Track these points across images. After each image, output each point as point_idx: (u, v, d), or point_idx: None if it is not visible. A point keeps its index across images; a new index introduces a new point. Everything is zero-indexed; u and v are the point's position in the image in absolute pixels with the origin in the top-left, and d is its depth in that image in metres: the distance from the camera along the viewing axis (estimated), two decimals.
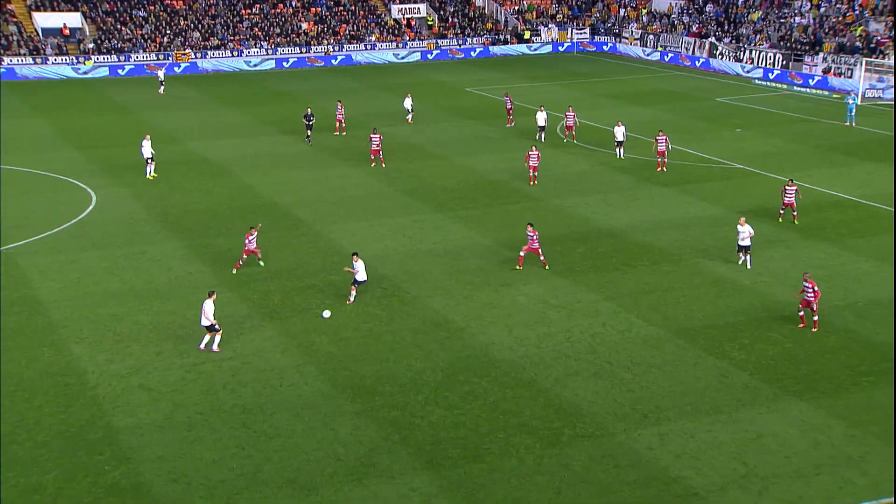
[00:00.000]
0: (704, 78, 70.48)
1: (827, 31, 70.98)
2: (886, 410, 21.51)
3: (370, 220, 35.91)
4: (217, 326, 24.87)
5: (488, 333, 25.94)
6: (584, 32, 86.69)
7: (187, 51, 75.37)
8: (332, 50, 78.87)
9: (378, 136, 43.74)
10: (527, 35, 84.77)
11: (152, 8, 79.64)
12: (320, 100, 60.90)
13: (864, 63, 61.31)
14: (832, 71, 65.54)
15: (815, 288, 25.68)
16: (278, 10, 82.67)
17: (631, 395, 22.47)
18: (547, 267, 30.54)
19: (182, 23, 78.99)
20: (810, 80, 65.36)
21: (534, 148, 41.05)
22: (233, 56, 76.27)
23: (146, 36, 76.76)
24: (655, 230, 34.37)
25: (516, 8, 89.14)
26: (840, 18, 71.88)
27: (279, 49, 77.86)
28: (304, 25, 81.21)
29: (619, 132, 45.14)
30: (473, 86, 64.98)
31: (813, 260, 31.14)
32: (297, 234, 34.32)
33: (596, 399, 22.30)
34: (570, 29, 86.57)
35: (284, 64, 76.91)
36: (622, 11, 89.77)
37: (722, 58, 74.46)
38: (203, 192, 39.98)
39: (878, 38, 66.64)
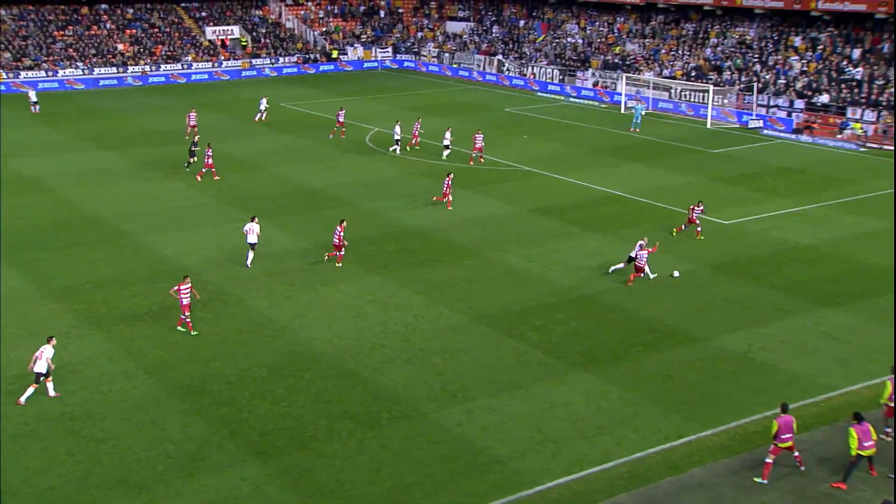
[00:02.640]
0: (494, 91, 72.40)
1: (593, 50, 74.69)
2: (652, 374, 22.77)
3: (194, 230, 34.58)
4: (50, 372, 21.46)
5: (310, 330, 25.54)
6: (387, 51, 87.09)
7: None
8: (148, 70, 75.39)
9: (210, 149, 42.41)
10: (335, 54, 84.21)
11: None
12: (140, 118, 58.13)
13: (624, 78, 64.85)
14: (600, 84, 68.93)
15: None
16: (92, 32, 78.16)
17: (441, 377, 22.71)
18: (339, 264, 30.27)
19: None
20: (582, 92, 68.45)
21: (449, 176, 37.58)
22: (48, 76, 71.41)
23: None
24: (458, 228, 34.95)
25: (324, 29, 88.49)
26: (603, 40, 75.89)
27: (95, 69, 73.61)
28: (120, 46, 77.21)
29: (447, 137, 46.41)
30: (287, 101, 63.86)
31: (592, 249, 32.56)
32: (122, 245, 32.57)
33: (410, 383, 22.39)
34: (374, 48, 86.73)
35: (101, 83, 72.79)
36: (420, 33, 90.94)
37: (508, 73, 76.73)
38: (24, 207, 37.24)
39: (634, 56, 70.78)
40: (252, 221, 30.52)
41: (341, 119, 52.28)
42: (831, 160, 47.42)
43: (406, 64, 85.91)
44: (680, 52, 69.18)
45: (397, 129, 48.19)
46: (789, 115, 56.21)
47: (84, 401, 21.34)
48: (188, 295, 25.08)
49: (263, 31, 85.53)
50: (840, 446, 18.41)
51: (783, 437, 18.39)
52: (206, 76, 77.03)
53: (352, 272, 30.09)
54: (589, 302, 27.52)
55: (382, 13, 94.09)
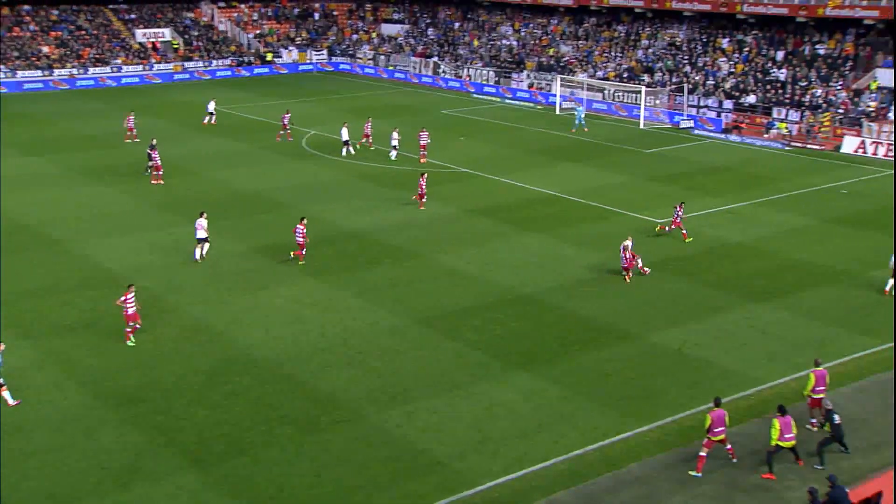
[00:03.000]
0: (430, 93, 72.45)
1: (528, 52, 75.31)
2: (589, 372, 23.03)
3: (126, 236, 33.83)
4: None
5: (247, 335, 25.19)
6: (323, 54, 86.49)
7: None
8: (76, 73, 73.49)
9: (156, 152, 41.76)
10: (269, 57, 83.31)
11: None
12: (68, 122, 56.65)
13: (559, 79, 65.52)
14: (535, 86, 69.52)
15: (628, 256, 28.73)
16: (15, 34, 75.86)
17: (381, 380, 22.61)
18: (301, 262, 30.29)
19: None
20: (518, 94, 68.95)
21: (423, 177, 37.59)
22: None
23: None
24: (396, 230, 34.86)
25: (258, 32, 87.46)
26: (537, 42, 76.59)
27: (19, 72, 71.46)
28: (45, 49, 75.09)
29: (394, 137, 46.63)
30: (221, 105, 62.89)
31: (529, 248, 32.80)
32: (51, 253, 31.68)
33: (349, 387, 22.24)
34: (309, 51, 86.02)
35: (25, 87, 70.68)
36: (355, 35, 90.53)
37: (444, 75, 76.89)
38: None
39: (568, 58, 71.58)
40: (201, 217, 31.04)
41: (286, 121, 51.89)
42: (758, 159, 48.63)
43: (341, 66, 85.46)
44: (612, 53, 70.21)
45: (344, 131, 47.93)
46: (718, 115, 57.46)
47: (11, 413, 20.67)
48: (133, 304, 24.47)
49: (196, 33, 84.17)
50: (768, 438, 18.86)
51: (716, 430, 18.76)
52: (136, 80, 75.46)
53: (289, 276, 29.78)
54: (527, 302, 27.71)
55: (317, 16, 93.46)
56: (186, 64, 78.83)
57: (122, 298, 24.40)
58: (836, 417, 19.12)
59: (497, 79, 72.36)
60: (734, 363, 23.53)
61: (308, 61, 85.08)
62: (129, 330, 24.44)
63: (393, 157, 46.43)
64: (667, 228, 34.14)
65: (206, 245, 31.23)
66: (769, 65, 60.67)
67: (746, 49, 63.11)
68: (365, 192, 40.63)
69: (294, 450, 19.44)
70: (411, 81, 78.24)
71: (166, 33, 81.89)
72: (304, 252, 30.85)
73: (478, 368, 23.25)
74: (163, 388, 21.98)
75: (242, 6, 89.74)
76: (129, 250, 32.11)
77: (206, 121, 56.39)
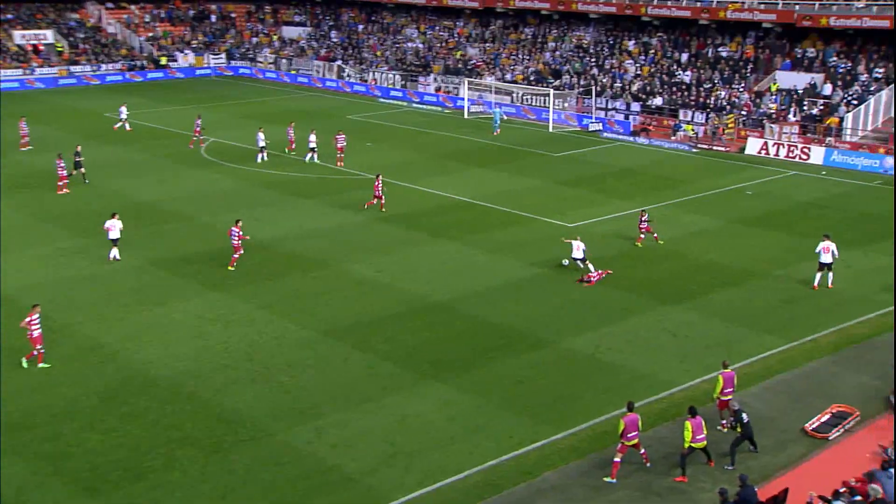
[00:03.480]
0: (335, 98, 72.06)
1: (434, 55, 75.70)
2: (503, 380, 23.21)
3: (11, 253, 32.46)
4: None
5: (145, 353, 24.48)
6: (221, 58, 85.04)
7: None
8: None
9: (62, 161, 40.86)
10: (163, 61, 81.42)
11: None
12: None
13: (466, 83, 66.06)
14: (442, 89, 69.90)
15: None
16: None
17: (288, 396, 22.29)
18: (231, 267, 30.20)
19: None
20: (425, 97, 69.20)
21: (378, 178, 38.29)
22: None
23: None
24: (303, 240, 34.49)
25: (150, 35, 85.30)
26: (444, 44, 77.06)
27: None
28: None
29: (312, 139, 46.70)
30: (113, 111, 61.12)
31: (441, 255, 32.90)
32: None
33: (255, 404, 21.84)
34: (206, 55, 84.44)
35: None
36: (255, 38, 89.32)
37: (349, 79, 76.59)
38: None
39: (475, 61, 72.25)
40: (113, 218, 31.62)
41: (198, 128, 51.27)
42: (667, 161, 50.04)
43: (241, 71, 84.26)
44: (520, 56, 71.20)
45: (260, 136, 47.16)
46: (627, 117, 58.89)
47: None
48: (38, 326, 23.46)
49: (82, 36, 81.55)
50: (681, 441, 19.35)
51: (629, 435, 19.14)
52: (16, 84, 72.62)
53: (190, 289, 29.11)
54: (439, 310, 27.77)
55: (213, 18, 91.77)
56: (73, 68, 76.32)
57: (27, 320, 23.48)
58: (745, 416, 19.77)
59: (403, 82, 72.50)
60: (647, 366, 24.08)
61: (206, 65, 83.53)
62: (35, 353, 23.63)
63: (307, 161, 46.53)
64: (641, 240, 34.27)
65: (115, 250, 31.64)
66: (674, 67, 62.53)
67: (652, 51, 64.90)
68: (269, 201, 40.08)
69: (197, 472, 18.95)
70: (315, 86, 77.68)
71: (49, 35, 79.06)
72: (236, 256, 31.14)
73: (389, 380, 23.16)
74: (52, 414, 21.14)
75: (133, 7, 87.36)
76: (15, 268, 30.83)
77: (117, 126, 55.06)
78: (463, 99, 64.87)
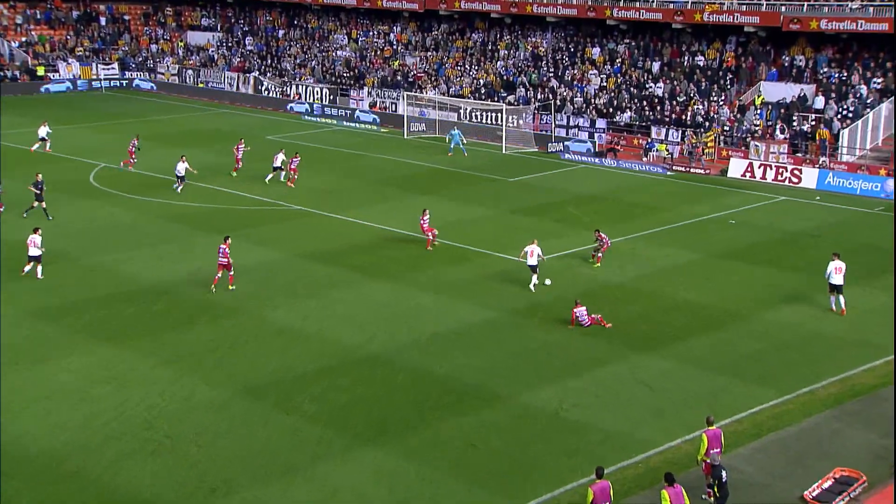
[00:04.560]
0: (252, 115, 72.07)
1: (368, 64, 76.29)
2: (452, 443, 23.29)
3: None
4: None
5: (20, 422, 24.00)
6: (113, 68, 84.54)
7: None
8: None
9: None
10: (41, 71, 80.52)
11: None
12: None
13: (405, 97, 66.67)
14: (378, 105, 70.44)
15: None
16: None
17: (196, 469, 22.03)
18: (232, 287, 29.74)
19: None
20: (358, 115, 69.54)
21: None
22: None
23: None
24: (217, 282, 34.29)
25: (24, 39, 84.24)
26: (379, 52, 77.68)
27: None
28: None
29: (181, 167, 47.08)
30: None
31: (377, 298, 32.97)
32: None
33: (156, 481, 21.53)
34: (94, 64, 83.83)
35: None
36: (154, 46, 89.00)
37: (268, 93, 76.74)
38: None
39: (415, 72, 72.96)
40: (34, 233, 34.03)
41: (132, 148, 52.36)
42: (637, 186, 50.96)
43: (138, 83, 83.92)
44: (467, 66, 72.11)
45: (181, 165, 46.69)
46: (591, 135, 59.95)
47: None
48: None
49: None
50: None
51: None
52: None
53: (77, 344, 28.71)
54: (376, 362, 27.80)
55: (103, 20, 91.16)
56: None
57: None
58: (724, 474, 19.85)
59: (332, 97, 72.90)
60: (618, 424, 24.35)
61: (94, 77, 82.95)
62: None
63: (268, 180, 48.58)
64: (599, 257, 36.31)
65: (39, 267, 34.04)
66: (645, 78, 63.92)
67: (619, 60, 66.29)
68: (174, 237, 39.82)
69: None
70: (227, 102, 77.58)
71: None
72: (231, 273, 33.42)
73: (318, 446, 23.07)
74: None
75: (0, 6, 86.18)
76: None
77: (34, 148, 55.06)
78: (402, 116, 65.39)
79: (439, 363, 27.81)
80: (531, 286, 33.52)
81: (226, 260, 33.25)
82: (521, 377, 26.91)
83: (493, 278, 35.08)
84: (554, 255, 37.77)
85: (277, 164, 49.19)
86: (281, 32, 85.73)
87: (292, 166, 49.19)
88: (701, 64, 62.96)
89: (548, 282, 33.73)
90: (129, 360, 27.75)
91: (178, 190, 46.85)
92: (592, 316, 30.52)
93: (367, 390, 26.08)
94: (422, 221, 38.45)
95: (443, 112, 65.84)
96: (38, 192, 42.38)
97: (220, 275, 33.37)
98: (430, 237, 38.40)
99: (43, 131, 55.92)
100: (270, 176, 49.04)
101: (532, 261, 33.66)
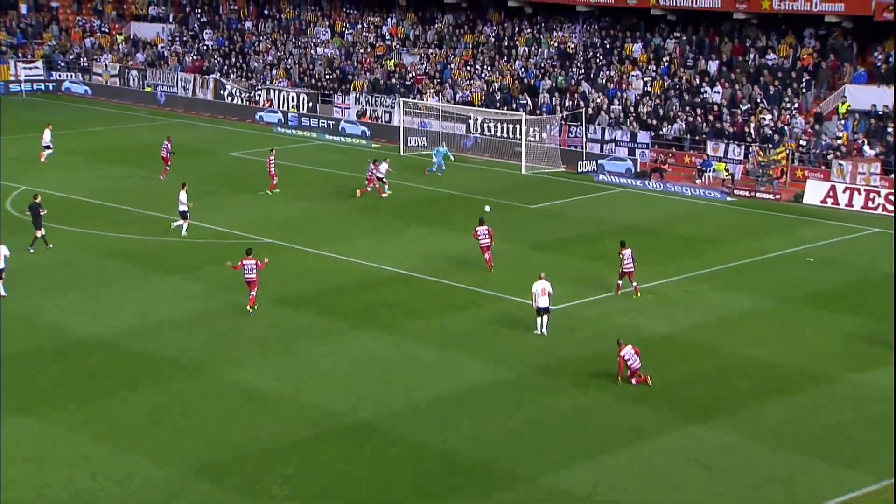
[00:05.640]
0: (211, 126, 72.31)
1: (356, 65, 76.50)
2: None
3: None
4: None
5: None
6: (37, 67, 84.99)
7: None
8: None
9: None
10: None
11: None
12: None
13: (402, 104, 66.77)
14: (368, 115, 70.64)
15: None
16: None
17: None
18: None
19: None
20: (345, 126, 69.74)
21: None
22: None
23: None
24: (162, 333, 34.26)
25: None
26: (370, 50, 77.89)
27: None
28: None
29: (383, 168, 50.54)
30: None
31: (367, 353, 32.90)
32: None
33: None
34: (13, 62, 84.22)
35: None
36: (89, 40, 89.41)
37: (232, 100, 77.11)
38: None
39: (414, 74, 73.17)
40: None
41: (167, 152, 54.33)
42: (690, 214, 50.94)
43: (68, 87, 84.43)
44: (478, 66, 72.35)
45: (183, 195, 46.24)
46: (632, 152, 60.01)
47: None
48: None
49: None
50: None
51: None
52: None
53: None
54: (363, 434, 27.70)
55: (24, 8, 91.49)
56: None
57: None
58: None
59: (312, 104, 73.19)
60: None
61: (12, 78, 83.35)
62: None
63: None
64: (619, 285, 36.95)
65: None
66: (699, 80, 63.99)
67: (666, 58, 66.45)
68: (114, 277, 39.85)
69: None
70: (180, 109, 77.93)
71: None
72: (254, 294, 35.96)
73: None
74: None
75: None
76: None
77: (44, 157, 58.19)
78: (399, 127, 65.53)
79: (443, 435, 27.72)
80: (538, 331, 33.81)
81: (254, 276, 35.68)
82: (544, 453, 26.81)
83: (509, 328, 35.00)
84: (583, 300, 37.73)
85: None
86: (248, 24, 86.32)
87: (270, 167, 50.50)
88: (770, 63, 63.06)
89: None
90: (52, 433, 27.67)
91: (183, 232, 45.62)
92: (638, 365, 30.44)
93: (354, 468, 26.00)
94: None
95: (448, 123, 66.01)
96: (36, 214, 43.16)
97: (254, 293, 35.84)
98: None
99: (47, 136, 58.63)
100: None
101: (543, 301, 33.69)
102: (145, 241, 44.52)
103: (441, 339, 34.25)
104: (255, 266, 35.86)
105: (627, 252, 37.60)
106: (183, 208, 45.41)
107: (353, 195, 51.42)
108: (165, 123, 72.84)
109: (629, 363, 30.31)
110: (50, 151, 59.23)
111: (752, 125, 59.02)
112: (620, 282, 38.01)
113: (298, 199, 52.33)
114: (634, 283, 37.93)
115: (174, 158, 55.73)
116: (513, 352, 33.14)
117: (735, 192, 54.47)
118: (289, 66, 78.82)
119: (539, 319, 34.13)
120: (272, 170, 52.80)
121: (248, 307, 36.01)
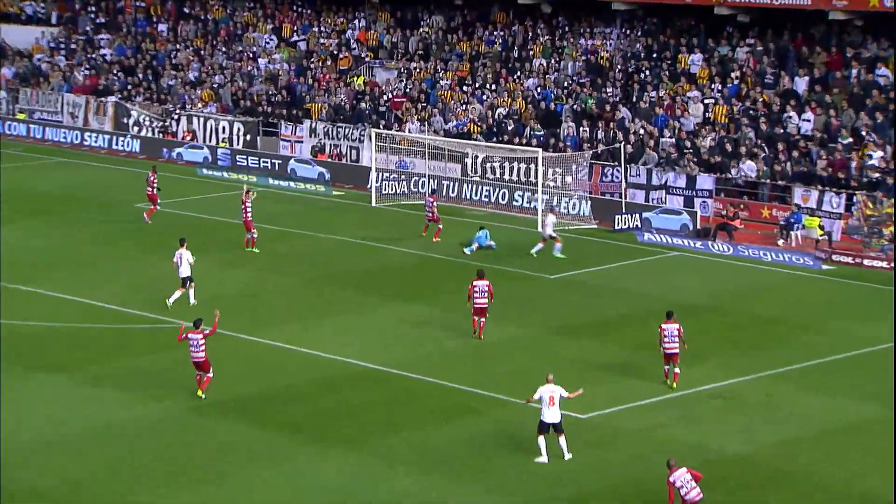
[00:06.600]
0: (109, 168, 72.44)
1: (312, 84, 76.54)
2: None
3: None
4: None
5: None
6: None
7: None
8: None
9: None
10: None
11: None
12: None
13: (373, 136, 66.91)
14: (327, 151, 70.62)
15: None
16: None
17: None
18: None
19: None
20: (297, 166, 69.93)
21: None
22: None
23: None
24: (60, 453, 34.14)
25: None
26: (329, 63, 77.90)
27: None
28: None
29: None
30: None
31: (324, 481, 32.69)
32: None
33: None
34: None
35: None
36: None
37: (139, 130, 77.16)
38: None
39: (390, 94, 73.12)
40: None
41: (151, 189, 57.51)
42: (771, 288, 51.03)
43: None
44: (477, 85, 72.44)
45: (184, 254, 46.62)
46: (689, 202, 60.11)
47: None
48: None
49: None
50: None
51: None
52: None
53: None
54: None
55: None
56: None
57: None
58: None
59: (250, 137, 73.33)
60: None
61: None
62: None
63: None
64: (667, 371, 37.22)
65: None
66: (781, 104, 64.05)
67: (737, 74, 66.64)
68: None
69: None
70: (67, 143, 78.12)
71: None
72: (210, 376, 37.60)
73: None
74: None
75: None
76: None
77: None
78: (369, 168, 65.71)
79: None
80: (543, 457, 33.22)
81: (202, 355, 36.92)
82: None
83: (516, 445, 34.88)
84: (624, 406, 37.68)
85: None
86: (162, 28, 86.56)
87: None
88: (880, 81, 63.16)
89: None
90: None
91: (191, 300, 46.69)
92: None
93: None
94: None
95: (436, 162, 66.10)
96: None
97: (209, 375, 37.58)
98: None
99: None
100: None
101: (551, 415, 33.23)
102: (24, 329, 44.34)
103: (422, 460, 34.08)
104: (202, 341, 37.27)
105: (672, 327, 37.75)
106: (187, 272, 47.03)
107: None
108: (45, 164, 72.98)
109: (683, 494, 29.99)
110: None
111: (855, 165, 59.14)
112: (668, 367, 38.12)
113: (234, 266, 52.35)
114: (676, 370, 38.19)
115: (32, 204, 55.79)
116: (522, 480, 32.91)
117: (833, 257, 54.54)
118: (218, 86, 78.98)
119: (543, 440, 33.41)
120: (248, 214, 54.38)
121: (199, 392, 37.76)
